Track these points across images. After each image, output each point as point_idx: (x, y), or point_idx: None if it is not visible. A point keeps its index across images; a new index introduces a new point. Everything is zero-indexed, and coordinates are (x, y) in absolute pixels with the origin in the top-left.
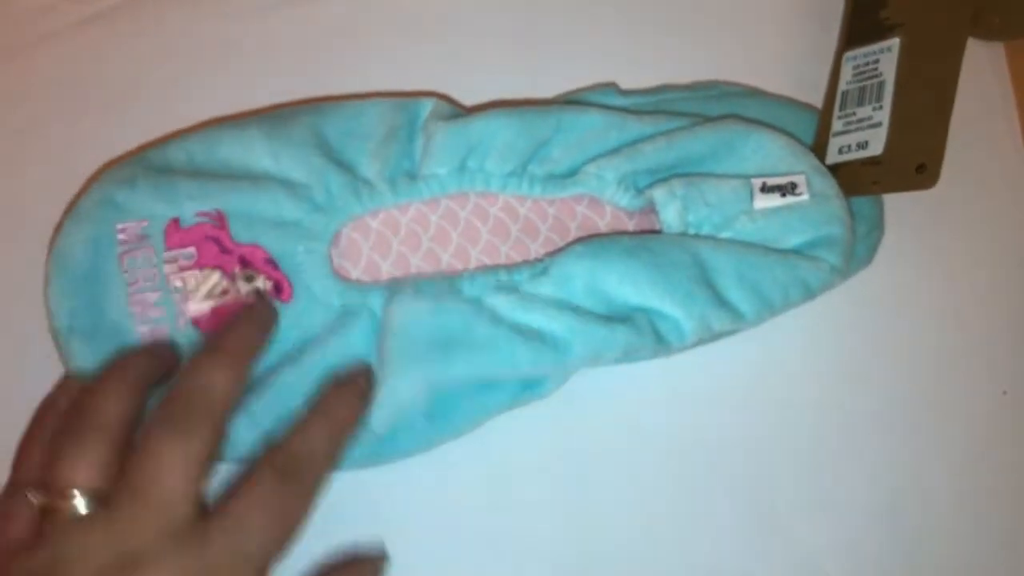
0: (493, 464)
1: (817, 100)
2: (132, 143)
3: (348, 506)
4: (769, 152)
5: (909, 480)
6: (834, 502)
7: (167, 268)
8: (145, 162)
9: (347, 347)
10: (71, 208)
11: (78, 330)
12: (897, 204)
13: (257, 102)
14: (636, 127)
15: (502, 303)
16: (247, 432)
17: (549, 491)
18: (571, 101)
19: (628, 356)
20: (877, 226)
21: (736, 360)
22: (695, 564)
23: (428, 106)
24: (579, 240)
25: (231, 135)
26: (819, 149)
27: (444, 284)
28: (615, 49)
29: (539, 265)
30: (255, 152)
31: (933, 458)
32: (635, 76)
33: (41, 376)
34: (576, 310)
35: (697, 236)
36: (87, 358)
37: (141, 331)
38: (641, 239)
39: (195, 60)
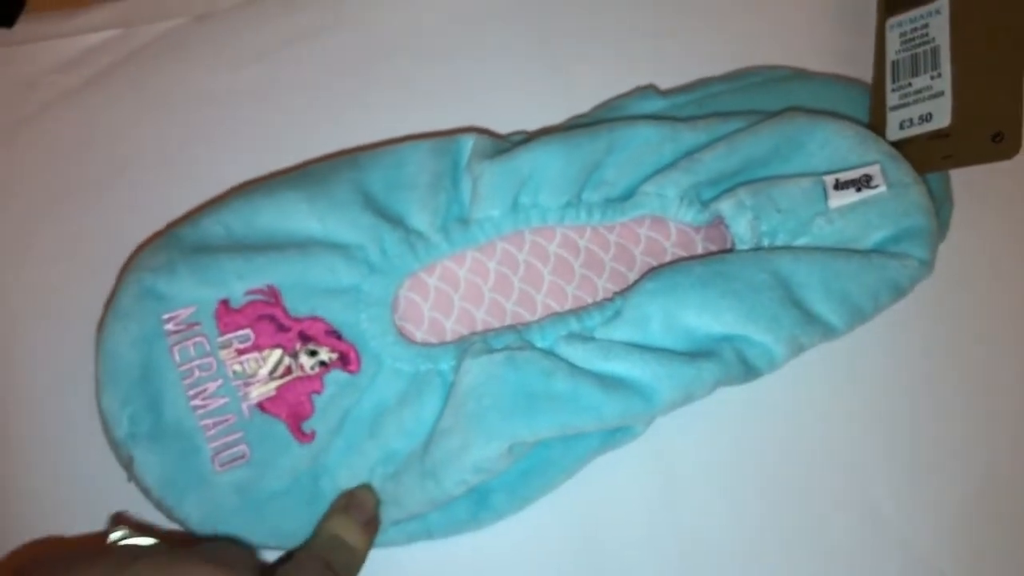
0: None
1: (860, 73)
2: (150, 210)
3: None
4: (837, 144)
5: None
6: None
7: (223, 354)
8: (179, 243)
9: (422, 416)
10: (110, 304)
11: (140, 436)
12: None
13: (272, 152)
14: (690, 136)
15: (578, 352)
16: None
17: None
18: (612, 115)
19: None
20: (946, 199)
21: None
22: None
23: (469, 144)
24: (648, 275)
25: (269, 202)
26: (877, 126)
27: (514, 337)
28: (641, 44)
29: (610, 307)
30: (298, 217)
31: None
32: (666, 70)
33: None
34: (658, 352)
35: (773, 248)
36: (154, 464)
37: (206, 425)
38: (714, 263)
39: (196, 116)
